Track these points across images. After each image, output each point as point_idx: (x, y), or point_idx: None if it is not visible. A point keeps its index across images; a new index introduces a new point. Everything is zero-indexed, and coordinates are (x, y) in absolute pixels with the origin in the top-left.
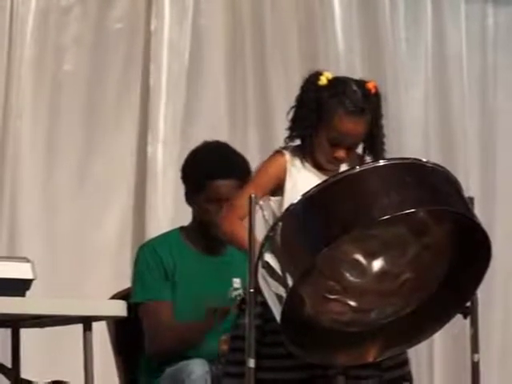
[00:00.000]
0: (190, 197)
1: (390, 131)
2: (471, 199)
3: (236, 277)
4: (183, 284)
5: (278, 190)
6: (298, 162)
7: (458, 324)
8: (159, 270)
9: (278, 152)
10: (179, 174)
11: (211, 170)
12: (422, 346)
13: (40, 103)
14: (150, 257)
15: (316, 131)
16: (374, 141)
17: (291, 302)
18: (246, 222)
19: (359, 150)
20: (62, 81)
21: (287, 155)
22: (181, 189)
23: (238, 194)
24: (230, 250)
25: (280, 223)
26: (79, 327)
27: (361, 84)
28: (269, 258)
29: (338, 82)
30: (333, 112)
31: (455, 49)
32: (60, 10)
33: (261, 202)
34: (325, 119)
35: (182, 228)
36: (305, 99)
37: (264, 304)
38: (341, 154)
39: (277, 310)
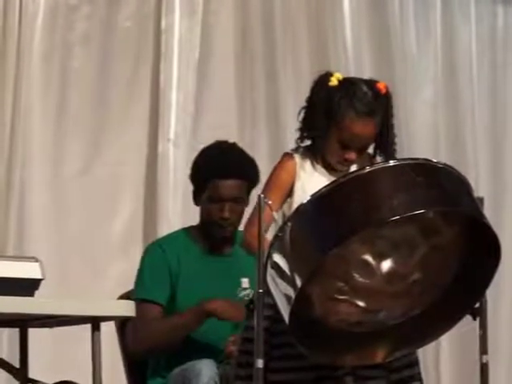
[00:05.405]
0: (196, 196)
1: (400, 131)
2: (481, 199)
3: (242, 276)
4: (187, 283)
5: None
6: (308, 163)
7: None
8: (162, 270)
9: (288, 155)
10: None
11: (214, 168)
12: (429, 347)
13: (49, 101)
14: (155, 256)
15: (327, 132)
16: (385, 141)
17: (299, 303)
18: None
19: (370, 150)
20: (70, 78)
21: (297, 158)
22: (191, 189)
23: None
24: (235, 250)
25: (289, 223)
26: (87, 327)
27: (371, 85)
28: (277, 258)
29: (349, 84)
30: (344, 114)
31: (465, 49)
32: (69, 7)
33: (269, 202)
34: (336, 121)
35: (189, 228)
36: (315, 100)
37: (272, 306)
38: (352, 155)
39: (285, 311)
